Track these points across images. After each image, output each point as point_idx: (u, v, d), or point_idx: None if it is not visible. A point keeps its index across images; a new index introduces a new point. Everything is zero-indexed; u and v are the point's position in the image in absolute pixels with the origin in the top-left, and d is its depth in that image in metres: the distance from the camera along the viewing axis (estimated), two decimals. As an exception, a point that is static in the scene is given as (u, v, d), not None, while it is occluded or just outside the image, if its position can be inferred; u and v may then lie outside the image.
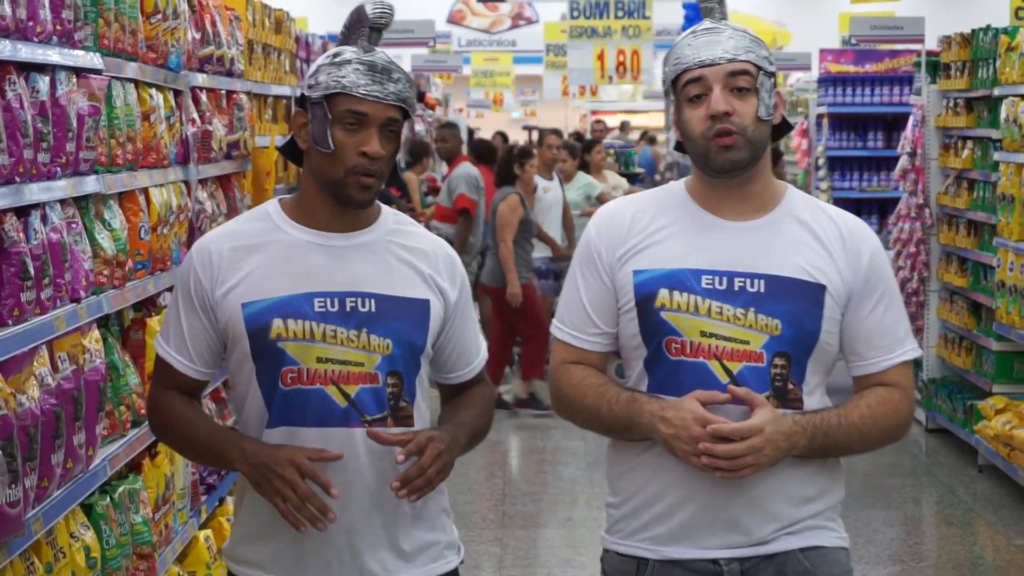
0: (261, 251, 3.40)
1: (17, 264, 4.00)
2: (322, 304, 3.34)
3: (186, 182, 5.92)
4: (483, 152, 14.93)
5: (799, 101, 19.03)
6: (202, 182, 6.20)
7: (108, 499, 4.79)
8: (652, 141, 27.73)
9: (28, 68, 4.23)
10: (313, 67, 3.44)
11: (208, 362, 3.49)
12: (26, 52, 4.13)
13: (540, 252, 13.01)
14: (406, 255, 3.45)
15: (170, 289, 5.62)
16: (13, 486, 3.86)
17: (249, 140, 7.07)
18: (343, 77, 3.31)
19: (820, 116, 15.97)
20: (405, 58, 19.77)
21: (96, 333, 4.69)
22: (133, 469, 5.19)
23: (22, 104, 4.09)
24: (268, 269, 3.38)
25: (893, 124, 13.41)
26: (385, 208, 3.52)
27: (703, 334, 3.24)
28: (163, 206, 5.49)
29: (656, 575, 3.34)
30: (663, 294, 3.26)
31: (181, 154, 5.86)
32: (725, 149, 3.23)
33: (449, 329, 3.53)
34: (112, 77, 4.95)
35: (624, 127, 31.25)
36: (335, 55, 3.37)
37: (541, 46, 29.73)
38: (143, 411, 5.17)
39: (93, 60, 4.70)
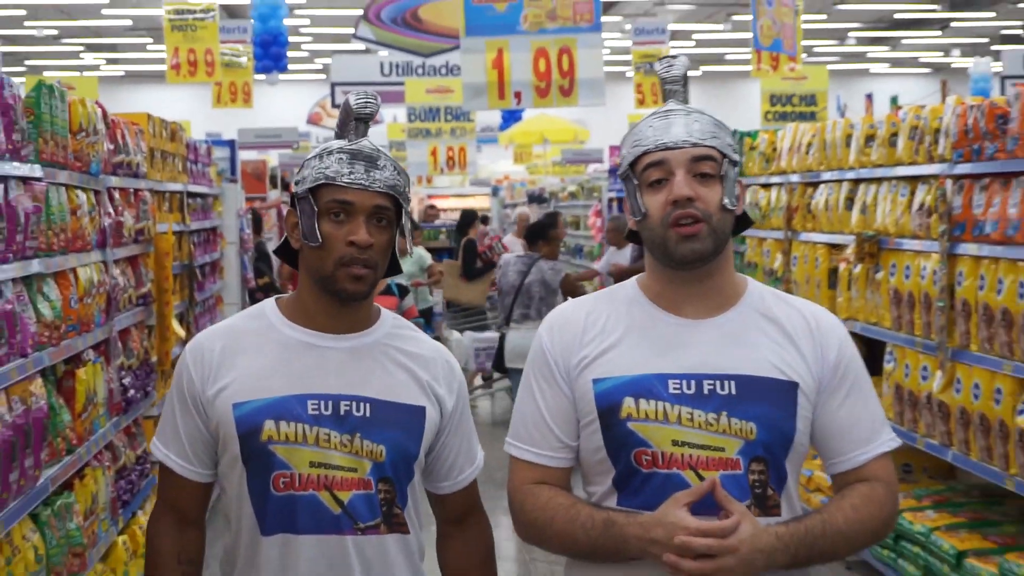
0: (255, 350, 2.76)
1: (-18, 328, 4.03)
2: (316, 406, 2.70)
3: (104, 262, 5.92)
4: None
5: (595, 187, 19.61)
6: (116, 262, 6.18)
7: (50, 510, 4.85)
8: (484, 220, 27.86)
9: (-11, 178, 4.30)
10: (301, 165, 2.86)
11: (207, 463, 2.83)
12: (-13, 166, 4.22)
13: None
14: (404, 359, 2.81)
15: (95, 347, 5.67)
16: (-17, 497, 3.93)
17: (152, 227, 7.03)
18: (327, 168, 2.71)
19: (611, 199, 16.48)
20: (272, 157, 20.07)
21: (39, 381, 4.74)
22: (67, 487, 5.19)
23: (-15, 208, 4.17)
24: (261, 369, 2.74)
25: (671, 205, 13.82)
26: (384, 311, 2.90)
27: (675, 443, 2.52)
28: (87, 281, 5.55)
29: None
30: (628, 403, 2.55)
31: (100, 240, 5.87)
32: (687, 239, 2.54)
33: (445, 437, 2.87)
34: (49, 183, 5.04)
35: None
36: (322, 150, 2.78)
37: (386, 142, 29.88)
38: (75, 441, 5.18)
39: (35, 170, 4.81)
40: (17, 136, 4.66)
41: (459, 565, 2.96)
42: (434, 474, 2.91)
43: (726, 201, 2.59)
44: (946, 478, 7.74)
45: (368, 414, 2.72)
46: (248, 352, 2.76)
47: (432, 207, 25.96)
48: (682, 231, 2.55)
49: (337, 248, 2.68)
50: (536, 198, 25.48)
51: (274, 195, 17.26)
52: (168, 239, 7.26)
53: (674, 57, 2.75)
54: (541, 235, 10.35)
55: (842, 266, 7.94)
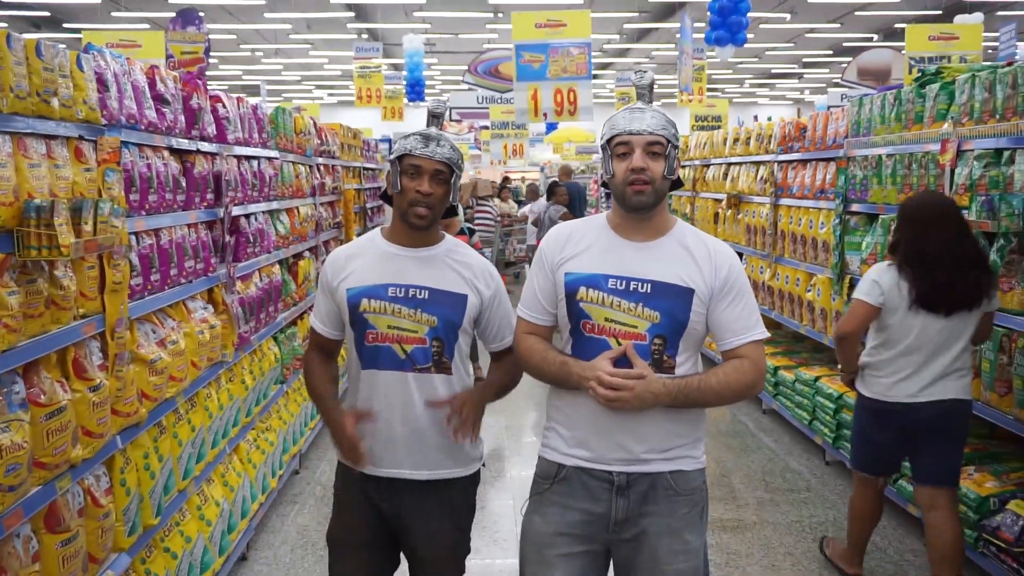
0: (363, 257, 2.55)
1: (246, 237, 4.26)
2: (394, 292, 2.48)
3: (314, 204, 5.93)
4: None
5: (595, 167, 19.42)
6: (321, 204, 6.17)
7: (283, 335, 5.01)
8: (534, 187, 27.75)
9: (249, 158, 4.47)
10: (394, 143, 2.65)
11: (336, 325, 2.59)
12: (248, 151, 4.39)
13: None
14: (456, 265, 2.55)
15: (309, 249, 5.69)
16: (247, 324, 4.15)
17: (342, 186, 6.95)
18: (407, 144, 2.49)
19: (603, 175, 16.44)
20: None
21: (277, 266, 4.93)
22: (293, 324, 5.28)
23: (248, 172, 4.35)
24: (364, 268, 2.53)
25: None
26: (447, 235, 2.62)
27: (606, 320, 2.30)
28: (304, 214, 5.62)
29: (569, 476, 2.38)
30: (582, 291, 2.32)
31: (312, 192, 5.88)
32: (638, 194, 2.28)
33: (487, 315, 2.59)
34: (282, 160, 5.16)
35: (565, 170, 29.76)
36: (407, 135, 2.52)
37: (478, 140, 29.67)
38: (297, 299, 5.20)
39: (274, 153, 4.94)
40: (265, 135, 4.81)
41: (495, 371, 2.70)
42: (485, 338, 2.64)
43: (667, 172, 2.31)
44: (775, 329, 7.87)
45: (427, 297, 2.49)
46: (359, 258, 2.55)
47: (507, 178, 25.99)
48: (634, 188, 2.29)
49: (410, 194, 2.47)
50: (564, 172, 25.59)
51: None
52: (351, 192, 7.27)
53: (645, 71, 2.49)
54: (552, 192, 10.88)
55: (720, 211, 7.99)
